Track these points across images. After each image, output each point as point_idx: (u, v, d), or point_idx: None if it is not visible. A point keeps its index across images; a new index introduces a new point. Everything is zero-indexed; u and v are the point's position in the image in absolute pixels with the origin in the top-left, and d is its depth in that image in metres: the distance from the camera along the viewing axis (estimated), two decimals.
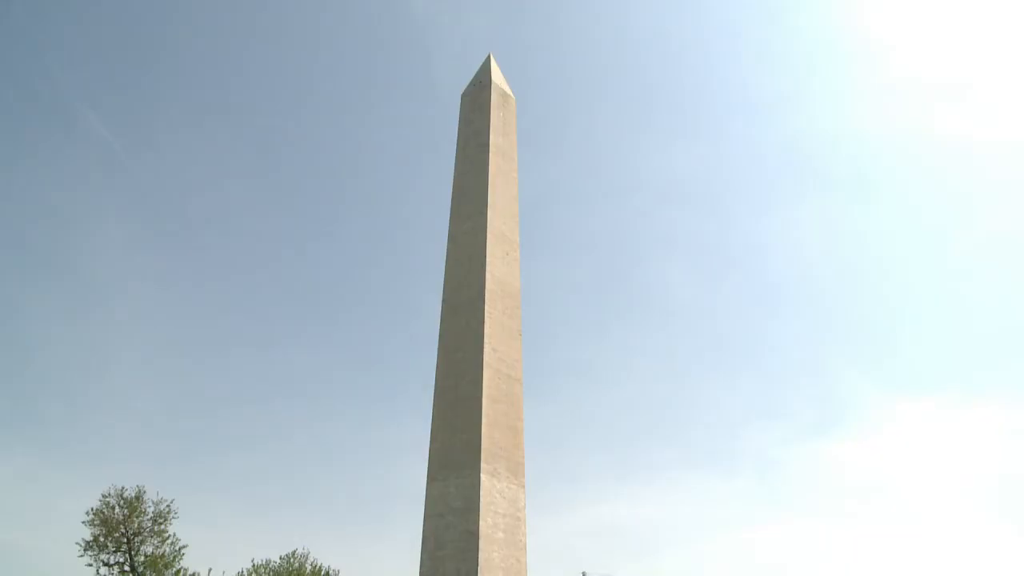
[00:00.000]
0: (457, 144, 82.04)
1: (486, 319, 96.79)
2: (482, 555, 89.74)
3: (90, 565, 49.15)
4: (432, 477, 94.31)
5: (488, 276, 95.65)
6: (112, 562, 49.39)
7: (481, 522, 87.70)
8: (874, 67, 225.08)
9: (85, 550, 48.96)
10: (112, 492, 49.73)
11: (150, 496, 50.50)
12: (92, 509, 49.13)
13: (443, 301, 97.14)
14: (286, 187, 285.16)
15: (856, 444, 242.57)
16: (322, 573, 54.86)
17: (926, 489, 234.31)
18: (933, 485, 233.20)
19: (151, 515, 50.06)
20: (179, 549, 50.55)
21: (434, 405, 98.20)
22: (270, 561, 55.67)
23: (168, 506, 50.73)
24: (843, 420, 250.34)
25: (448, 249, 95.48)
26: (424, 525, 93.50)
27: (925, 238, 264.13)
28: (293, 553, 55.79)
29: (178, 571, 50.28)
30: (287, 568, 54.64)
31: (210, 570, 54.24)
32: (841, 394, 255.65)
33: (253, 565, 55.40)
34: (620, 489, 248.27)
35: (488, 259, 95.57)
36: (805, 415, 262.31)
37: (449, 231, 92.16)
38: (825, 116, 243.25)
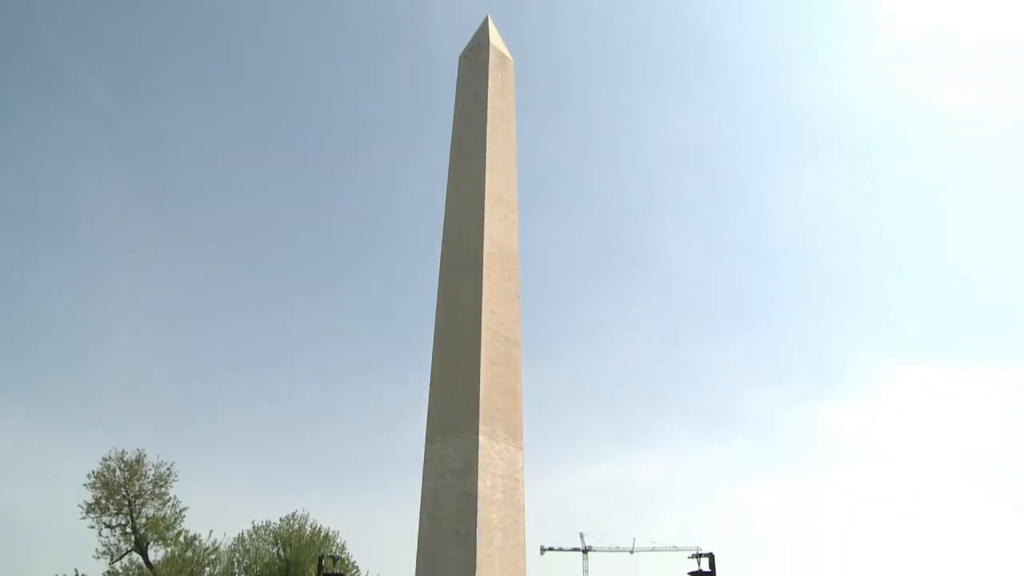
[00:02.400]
0: (455, 106, 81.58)
1: (484, 281, 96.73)
2: (480, 516, 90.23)
3: (92, 527, 49.62)
4: (430, 439, 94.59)
5: (486, 238, 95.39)
6: (114, 524, 49.85)
7: (479, 483, 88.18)
8: (877, 32, 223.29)
9: (87, 512, 49.37)
10: (113, 455, 50.09)
11: (150, 459, 50.86)
12: (93, 472, 49.49)
13: (441, 263, 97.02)
14: (285, 151, 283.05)
15: (853, 407, 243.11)
16: (321, 535, 55.30)
17: (922, 451, 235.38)
18: (929, 447, 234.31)
19: (151, 478, 50.45)
20: (180, 511, 51.00)
21: (432, 367, 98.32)
22: (270, 523, 56.16)
23: (168, 469, 51.13)
24: (841, 383, 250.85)
25: (446, 212, 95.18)
26: (423, 486, 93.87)
27: (926, 202, 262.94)
28: (293, 515, 56.27)
29: (179, 533, 50.72)
30: (287, 530, 55.08)
31: (211, 532, 54.77)
32: (839, 358, 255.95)
33: (253, 527, 55.90)
34: (618, 451, 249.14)
35: (486, 221, 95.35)
36: (803, 379, 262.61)
37: (447, 194, 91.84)
38: (827, 80, 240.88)
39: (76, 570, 50.34)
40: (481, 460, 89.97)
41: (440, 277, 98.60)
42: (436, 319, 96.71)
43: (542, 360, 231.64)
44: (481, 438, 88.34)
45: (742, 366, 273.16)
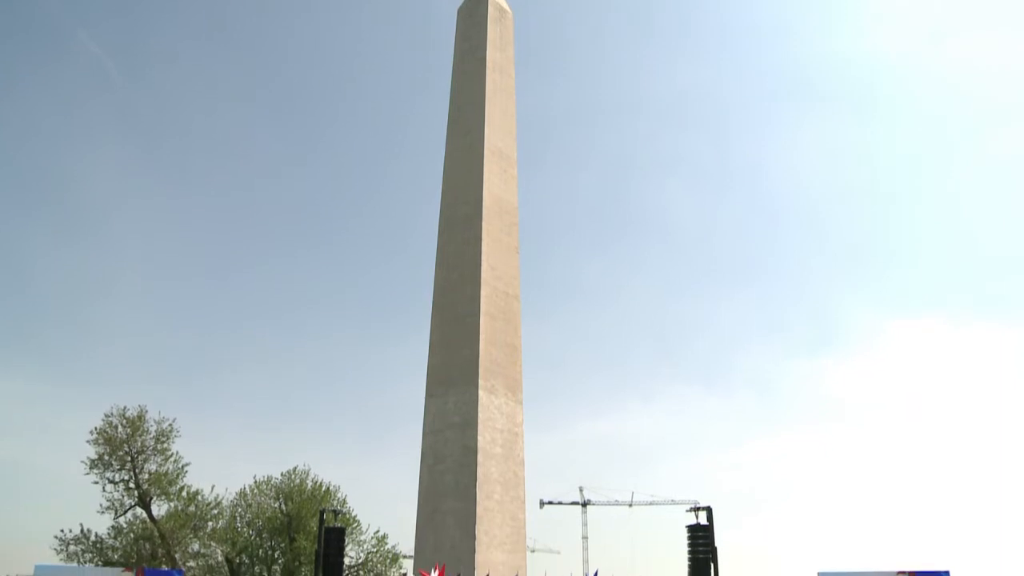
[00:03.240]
0: (454, 60, 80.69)
1: (484, 236, 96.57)
2: (480, 469, 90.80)
3: (96, 482, 49.90)
4: (431, 393, 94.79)
5: (485, 193, 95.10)
6: (117, 480, 50.13)
7: (479, 437, 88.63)
8: None
9: (91, 468, 49.62)
10: (114, 412, 50.19)
11: (152, 415, 50.98)
12: (96, 428, 49.64)
13: (440, 218, 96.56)
14: (282, 107, 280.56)
15: (851, 362, 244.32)
16: (323, 489, 55.62)
17: (919, 406, 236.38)
18: (926, 403, 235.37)
19: (153, 434, 50.61)
20: (182, 467, 51.26)
21: (432, 322, 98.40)
22: (271, 478, 56.48)
23: (170, 425, 51.28)
24: (839, 339, 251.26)
25: (445, 166, 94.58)
26: (423, 441, 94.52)
27: (925, 160, 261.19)
28: (294, 470, 56.57)
29: (181, 488, 51.03)
30: (288, 484, 55.42)
31: (213, 487, 55.05)
32: (837, 313, 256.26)
33: (255, 482, 56.23)
34: (617, 405, 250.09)
35: (485, 176, 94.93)
36: (801, 334, 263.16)
37: (446, 148, 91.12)
38: (828, 37, 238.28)
39: (81, 525, 50.71)
40: (481, 414, 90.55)
41: (439, 232, 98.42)
42: (435, 274, 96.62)
43: (542, 315, 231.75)
44: (481, 393, 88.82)
45: (741, 321, 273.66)
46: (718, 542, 31.58)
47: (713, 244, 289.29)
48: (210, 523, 52.02)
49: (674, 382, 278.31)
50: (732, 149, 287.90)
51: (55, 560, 47.55)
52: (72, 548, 49.57)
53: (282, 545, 53.32)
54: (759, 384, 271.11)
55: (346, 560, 37.38)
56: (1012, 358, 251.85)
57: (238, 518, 54.69)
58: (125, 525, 50.81)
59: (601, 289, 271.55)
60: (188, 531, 50.32)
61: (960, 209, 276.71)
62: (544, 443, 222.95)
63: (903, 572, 31.70)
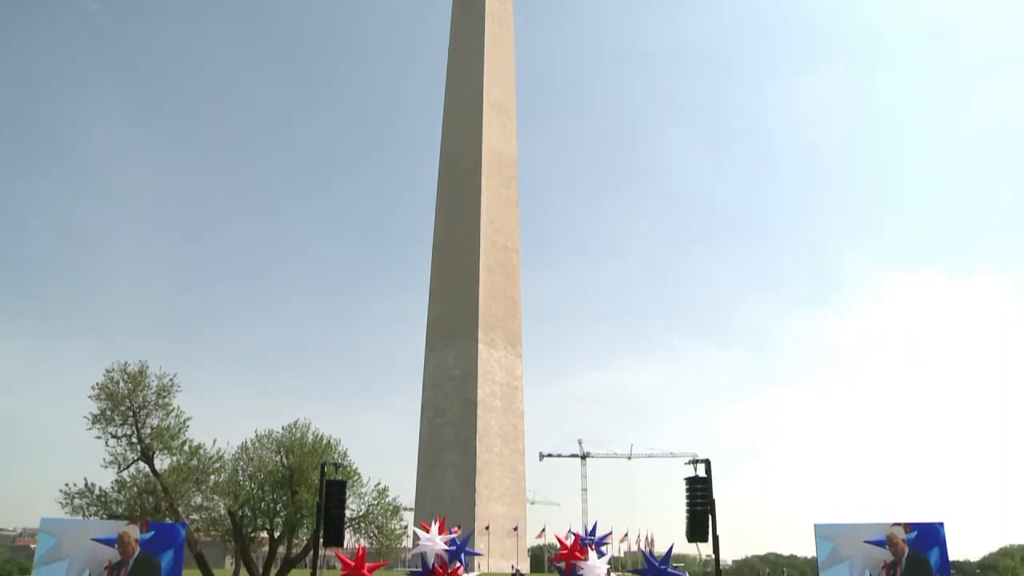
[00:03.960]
0: (452, 11, 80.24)
1: (483, 190, 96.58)
2: (480, 422, 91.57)
3: (99, 438, 50.18)
4: (430, 347, 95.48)
5: (485, 146, 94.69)
6: (120, 434, 50.39)
7: (479, 390, 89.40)
8: None
9: (93, 423, 49.86)
10: (115, 367, 50.27)
11: (153, 370, 51.08)
12: (97, 384, 49.77)
13: (439, 172, 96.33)
14: (280, 57, 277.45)
15: (850, 315, 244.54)
16: (324, 442, 55.87)
17: (918, 358, 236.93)
18: (926, 354, 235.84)
19: (155, 389, 50.72)
20: (183, 421, 51.45)
21: (432, 276, 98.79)
22: (272, 432, 56.71)
23: (171, 380, 51.35)
24: (838, 292, 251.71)
25: (444, 120, 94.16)
26: (423, 394, 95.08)
27: (931, 111, 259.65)
28: (295, 424, 56.74)
29: (183, 442, 51.28)
30: (289, 438, 55.67)
31: (215, 441, 55.28)
32: (838, 267, 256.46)
33: (256, 435, 56.44)
34: (617, 359, 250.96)
35: (484, 129, 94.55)
36: (801, 287, 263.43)
37: (445, 102, 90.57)
38: None
39: (85, 479, 51.02)
40: (480, 368, 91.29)
41: (438, 186, 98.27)
42: (435, 228, 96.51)
43: (541, 268, 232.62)
44: (480, 346, 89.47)
45: (741, 275, 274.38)
46: (716, 495, 31.77)
47: (714, 197, 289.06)
48: (212, 477, 52.32)
49: (674, 335, 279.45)
50: (733, 101, 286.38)
51: (60, 513, 47.95)
52: (77, 502, 49.97)
53: (284, 498, 53.69)
54: (759, 337, 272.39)
55: (347, 513, 37.64)
56: (1011, 311, 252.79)
57: (240, 472, 55.00)
58: (128, 479, 51.15)
59: (601, 242, 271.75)
60: (191, 485, 50.62)
61: (965, 162, 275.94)
62: (544, 396, 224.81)
63: (898, 523, 31.90)
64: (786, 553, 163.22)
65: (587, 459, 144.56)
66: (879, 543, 31.32)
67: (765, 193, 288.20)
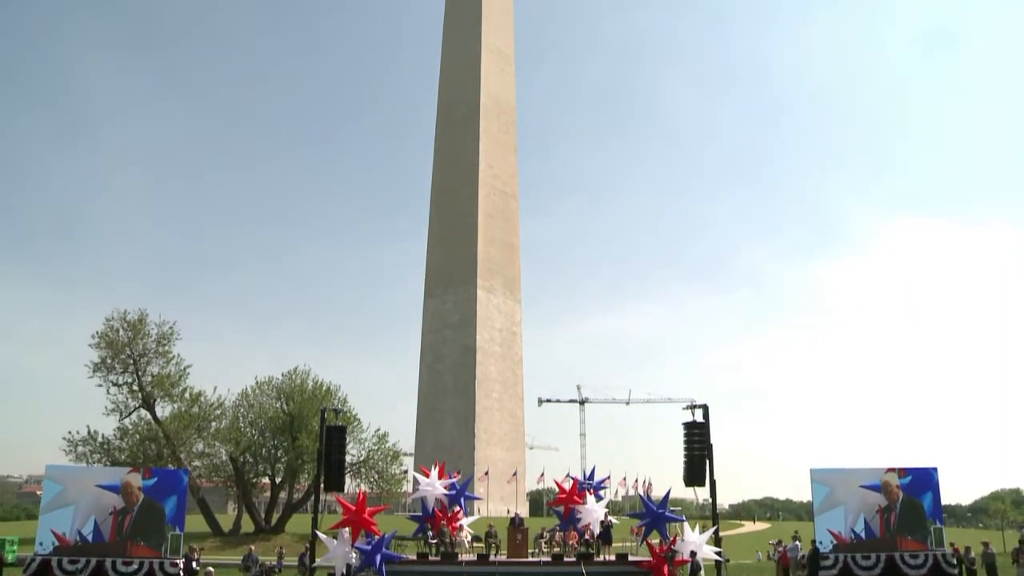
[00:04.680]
0: None
1: (481, 135, 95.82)
2: (479, 368, 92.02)
3: (100, 386, 50.52)
4: (429, 293, 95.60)
5: (483, 92, 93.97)
6: (121, 382, 50.70)
7: (478, 336, 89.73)
8: None
9: (94, 371, 50.12)
10: (115, 315, 50.45)
11: (152, 318, 51.25)
12: (97, 332, 49.98)
13: (437, 118, 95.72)
14: (279, 7, 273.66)
15: (850, 261, 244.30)
16: (323, 389, 56.27)
17: (915, 306, 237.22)
18: (922, 302, 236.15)
19: (154, 337, 51.00)
20: (184, 369, 51.82)
21: (430, 222, 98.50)
22: (272, 378, 57.12)
23: (171, 328, 51.65)
24: (838, 238, 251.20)
25: (442, 66, 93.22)
26: (422, 340, 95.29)
27: (937, 57, 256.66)
28: (294, 370, 57.18)
29: (184, 390, 51.65)
30: (289, 384, 56.04)
31: (215, 388, 55.81)
32: (839, 212, 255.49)
33: (256, 382, 56.91)
34: (616, 304, 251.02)
35: (483, 75, 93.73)
36: (802, 232, 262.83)
37: (443, 47, 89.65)
38: None
39: (88, 427, 51.50)
40: (479, 313, 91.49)
41: (436, 132, 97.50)
42: (433, 174, 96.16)
43: (540, 214, 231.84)
44: (479, 292, 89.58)
45: (741, 219, 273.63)
46: (714, 440, 32.00)
47: (715, 141, 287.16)
48: (213, 423, 52.82)
49: (673, 281, 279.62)
50: (736, 44, 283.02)
51: (64, 460, 48.52)
52: (80, 449, 50.51)
53: (284, 444, 54.23)
54: (758, 282, 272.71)
55: (347, 458, 37.96)
56: (1010, 260, 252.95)
57: (241, 418, 55.51)
58: (131, 426, 51.65)
59: (600, 187, 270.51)
60: (192, 431, 51.11)
61: (971, 109, 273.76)
62: (542, 342, 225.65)
63: (893, 469, 32.25)
64: (782, 498, 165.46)
65: (585, 404, 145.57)
66: (874, 488, 31.67)
67: (767, 137, 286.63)
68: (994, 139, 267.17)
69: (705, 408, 32.41)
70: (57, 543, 28.54)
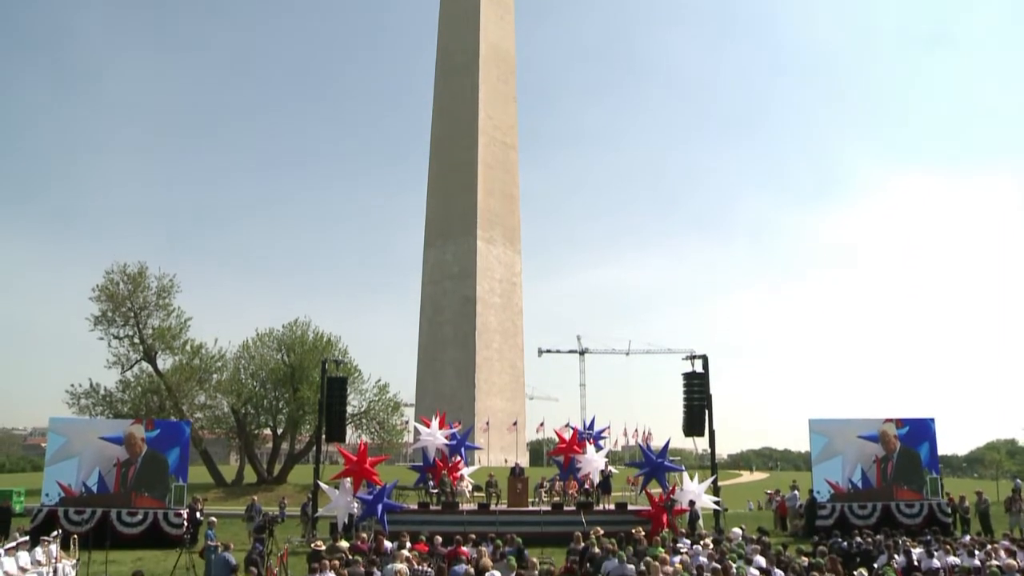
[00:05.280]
0: None
1: (480, 85, 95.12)
2: (479, 319, 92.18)
3: (101, 339, 50.64)
4: (429, 244, 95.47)
5: (482, 41, 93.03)
6: (122, 335, 50.80)
7: (478, 287, 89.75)
8: None
9: (95, 325, 50.20)
10: (115, 268, 50.40)
11: (152, 271, 51.21)
12: (97, 286, 49.96)
13: (436, 68, 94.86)
14: None
15: (850, 212, 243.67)
16: (324, 340, 56.42)
17: (914, 257, 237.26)
18: (921, 254, 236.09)
19: (154, 289, 50.97)
20: (184, 321, 51.87)
21: (430, 173, 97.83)
22: (273, 330, 57.23)
23: (171, 280, 51.61)
24: (839, 189, 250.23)
25: (441, 13, 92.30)
26: (422, 291, 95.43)
27: (942, 7, 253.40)
28: (295, 322, 57.29)
29: (185, 342, 51.76)
30: (290, 336, 56.18)
31: (216, 340, 55.88)
32: (839, 163, 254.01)
33: (257, 334, 57.03)
34: (616, 255, 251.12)
35: (482, 23, 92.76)
36: (802, 183, 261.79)
37: None
38: None
39: (90, 379, 51.74)
40: (479, 264, 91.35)
41: (435, 81, 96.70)
42: (432, 123, 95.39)
43: (540, 165, 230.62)
44: (479, 243, 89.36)
45: (741, 170, 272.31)
46: (713, 390, 32.21)
47: (715, 91, 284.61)
48: (215, 375, 53.01)
49: (673, 232, 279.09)
50: None
51: (67, 413, 48.80)
52: (83, 402, 50.78)
53: (286, 395, 54.51)
54: (758, 233, 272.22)
55: (348, 409, 38.20)
56: (1010, 211, 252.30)
57: (242, 370, 55.71)
58: (132, 379, 51.88)
59: (600, 137, 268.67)
60: (194, 383, 51.32)
61: (974, 58, 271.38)
62: (543, 293, 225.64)
63: (890, 419, 32.51)
64: (781, 448, 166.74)
65: (585, 355, 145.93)
66: (872, 438, 31.97)
67: (767, 87, 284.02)
68: (997, 90, 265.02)
69: (704, 359, 32.58)
70: (63, 494, 28.88)
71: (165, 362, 51.88)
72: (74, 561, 21.94)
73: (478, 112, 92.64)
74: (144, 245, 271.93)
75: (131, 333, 50.87)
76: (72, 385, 50.88)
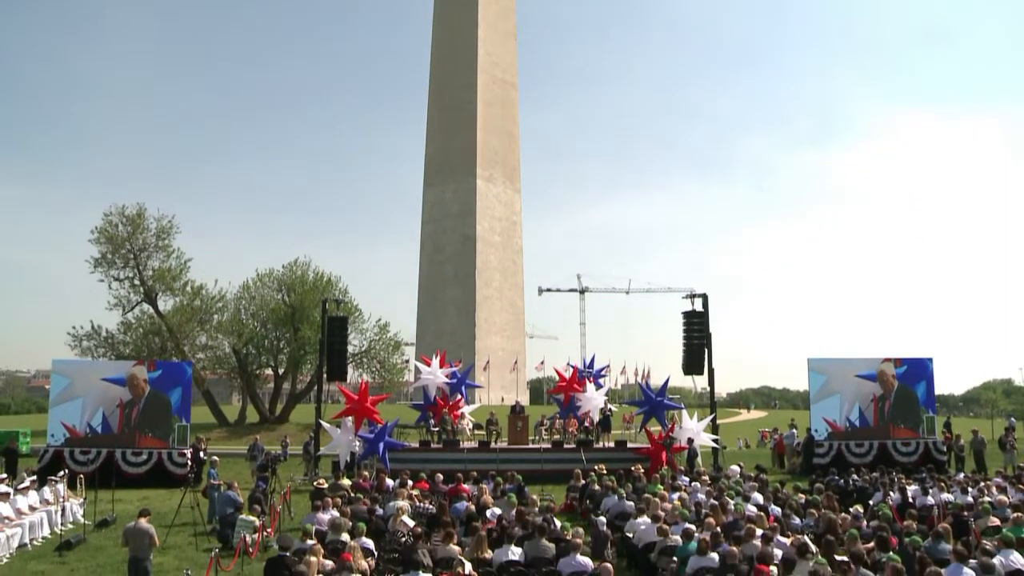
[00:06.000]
0: None
1: (480, 21, 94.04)
2: (479, 258, 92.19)
3: (102, 281, 50.65)
4: (428, 183, 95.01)
5: None
6: (122, 277, 50.81)
7: (478, 226, 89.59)
8: None
9: (95, 267, 50.18)
10: (114, 210, 50.21)
11: (151, 212, 51.04)
12: (96, 228, 49.83)
13: (434, 2, 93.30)
14: None
15: (853, 153, 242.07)
16: (324, 280, 56.41)
17: (914, 198, 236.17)
18: (921, 195, 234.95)
19: (154, 231, 50.85)
20: (184, 262, 51.82)
21: (429, 111, 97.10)
22: (273, 270, 57.20)
23: (170, 221, 51.45)
24: (841, 130, 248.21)
25: None
26: (422, 230, 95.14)
27: None
28: (295, 262, 57.21)
29: (186, 283, 51.78)
30: (290, 276, 56.17)
31: (216, 281, 55.94)
32: (842, 103, 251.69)
33: (257, 275, 57.00)
34: (617, 194, 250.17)
35: None
36: (804, 124, 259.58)
37: None
38: None
39: (92, 321, 51.84)
40: (479, 203, 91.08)
41: (434, 17, 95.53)
42: (431, 62, 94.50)
43: (540, 103, 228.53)
44: (479, 181, 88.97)
45: (743, 110, 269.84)
46: (712, 329, 32.31)
47: (718, 30, 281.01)
48: (215, 316, 53.13)
49: (673, 171, 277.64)
50: None
51: (70, 355, 49.05)
52: (85, 344, 50.96)
53: (287, 335, 54.68)
54: (759, 173, 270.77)
55: (349, 348, 38.38)
56: (1011, 153, 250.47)
57: (242, 311, 55.80)
58: (134, 321, 52.02)
59: (602, 76, 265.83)
60: (195, 324, 51.46)
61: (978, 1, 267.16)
62: (543, 232, 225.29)
63: (889, 359, 32.67)
64: (779, 387, 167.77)
65: (585, 294, 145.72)
66: (870, 377, 32.16)
67: (770, 27, 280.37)
68: (999, 32, 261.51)
69: (704, 297, 32.64)
70: (68, 435, 29.18)
71: (166, 303, 51.99)
72: (81, 500, 22.26)
73: (477, 49, 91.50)
74: (143, 187, 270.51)
75: (131, 275, 50.88)
76: (74, 327, 51.07)
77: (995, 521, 15.59)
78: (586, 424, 31.73)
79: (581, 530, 15.06)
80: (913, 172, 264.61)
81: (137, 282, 50.87)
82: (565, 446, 31.03)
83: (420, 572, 11.62)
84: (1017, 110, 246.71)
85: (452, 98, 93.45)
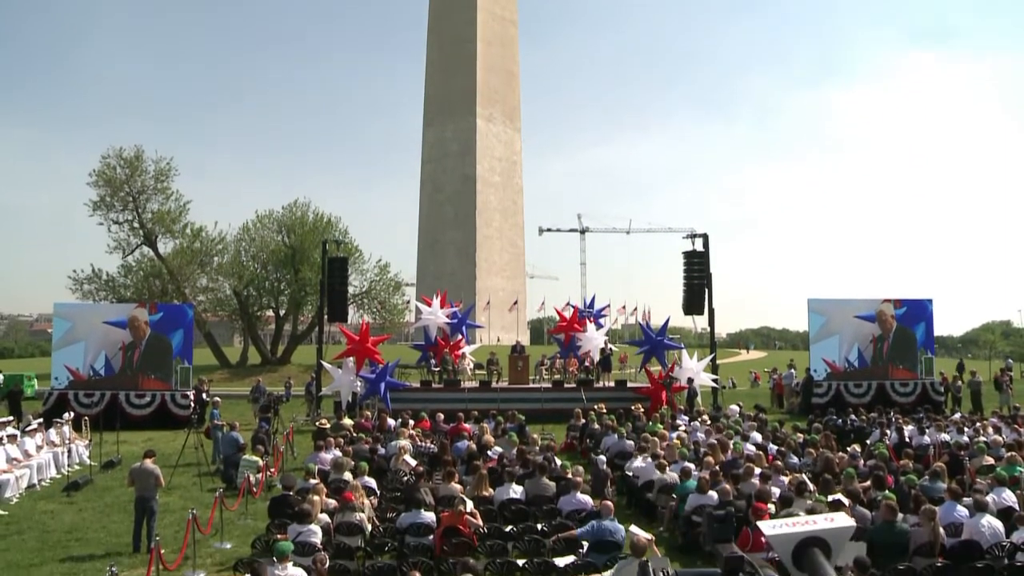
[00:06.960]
0: None
1: None
2: (480, 198, 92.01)
3: (101, 224, 50.54)
4: (428, 122, 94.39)
5: None
6: (121, 220, 50.69)
7: (478, 166, 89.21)
8: None
9: (94, 210, 50.03)
10: (111, 153, 49.87)
11: (149, 155, 50.71)
12: (94, 171, 49.57)
13: None
14: None
15: (856, 94, 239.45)
16: (324, 221, 56.25)
17: (916, 140, 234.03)
18: (924, 137, 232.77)
19: (152, 173, 50.55)
20: (183, 205, 51.64)
21: (428, 49, 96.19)
22: (273, 212, 56.99)
23: (168, 163, 51.13)
24: (845, 70, 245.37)
25: None
26: (422, 170, 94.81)
27: None
28: (295, 203, 56.97)
29: (185, 225, 51.66)
30: (290, 217, 56.00)
31: (216, 223, 55.71)
32: (845, 43, 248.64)
33: (257, 216, 56.80)
34: (618, 134, 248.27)
35: None
36: (807, 63, 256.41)
37: None
38: None
39: (92, 265, 51.88)
40: (479, 143, 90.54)
41: None
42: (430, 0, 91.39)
43: (541, 42, 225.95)
44: (479, 121, 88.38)
45: (746, 49, 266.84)
46: (713, 269, 32.33)
47: None
48: (216, 258, 53.09)
49: (675, 111, 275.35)
50: None
51: (71, 298, 49.16)
52: (86, 287, 51.07)
53: (287, 277, 54.67)
54: (761, 113, 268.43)
55: (350, 289, 38.43)
56: (1017, 94, 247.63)
57: (243, 252, 55.71)
58: (134, 264, 52.05)
59: (602, 14, 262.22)
60: (195, 267, 51.47)
61: None
62: (543, 171, 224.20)
63: (889, 300, 32.72)
64: (779, 327, 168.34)
65: (586, 234, 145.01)
66: (869, 318, 32.25)
67: None
68: None
69: (705, 237, 32.59)
70: (71, 378, 29.38)
71: (166, 246, 51.94)
72: (87, 442, 22.50)
73: None
74: (140, 129, 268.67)
75: (130, 218, 50.73)
76: (74, 271, 51.11)
77: (990, 460, 15.78)
78: (586, 364, 31.94)
79: (581, 469, 15.25)
80: (914, 113, 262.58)
81: (136, 225, 50.74)
82: (565, 386, 31.27)
83: (422, 510, 11.80)
84: (1017, 53, 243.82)
85: (451, 36, 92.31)
